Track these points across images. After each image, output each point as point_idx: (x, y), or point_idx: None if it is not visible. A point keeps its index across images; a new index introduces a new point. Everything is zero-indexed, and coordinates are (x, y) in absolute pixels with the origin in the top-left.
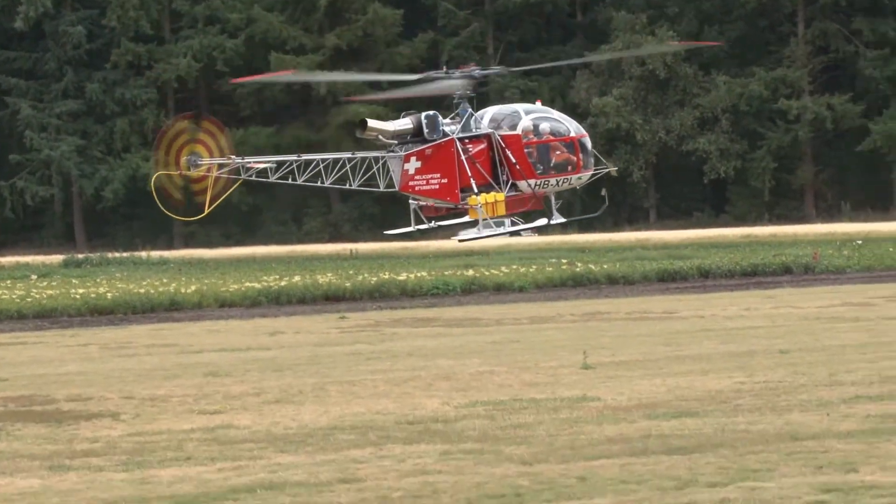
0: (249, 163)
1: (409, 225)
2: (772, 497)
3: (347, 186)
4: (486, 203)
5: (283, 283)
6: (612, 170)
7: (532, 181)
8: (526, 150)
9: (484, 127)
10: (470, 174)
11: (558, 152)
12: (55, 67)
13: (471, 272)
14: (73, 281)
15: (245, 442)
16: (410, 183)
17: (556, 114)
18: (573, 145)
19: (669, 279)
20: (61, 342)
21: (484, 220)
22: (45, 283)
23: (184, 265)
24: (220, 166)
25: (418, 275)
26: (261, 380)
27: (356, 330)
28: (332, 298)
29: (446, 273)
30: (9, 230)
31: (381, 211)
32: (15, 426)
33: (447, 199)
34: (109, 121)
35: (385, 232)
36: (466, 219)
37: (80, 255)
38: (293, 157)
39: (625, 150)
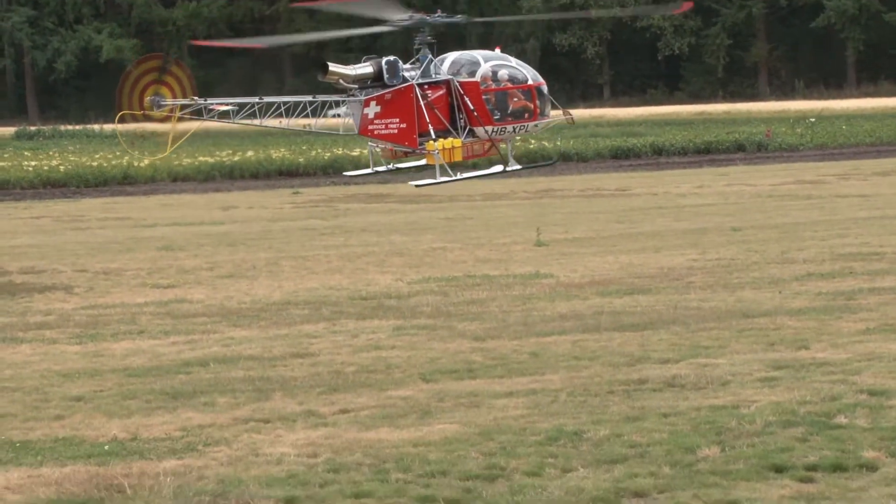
0: (212, 104)
1: (368, 167)
2: (723, 373)
3: (307, 129)
4: (444, 149)
5: (236, 158)
6: (569, 118)
7: (489, 127)
8: (484, 97)
9: (443, 73)
10: (428, 120)
11: (515, 99)
12: None
13: None
14: (26, 153)
15: (198, 316)
16: (370, 127)
17: (514, 61)
18: (530, 93)
19: (623, 156)
20: (14, 214)
21: (441, 165)
22: None
23: (136, 139)
24: (183, 107)
25: None
26: (214, 254)
27: (310, 205)
28: (286, 173)
29: None
30: None
31: (334, 87)
32: None
33: (405, 143)
34: None
35: (344, 173)
36: (424, 163)
37: (33, 128)
38: (255, 100)
39: (579, 26)
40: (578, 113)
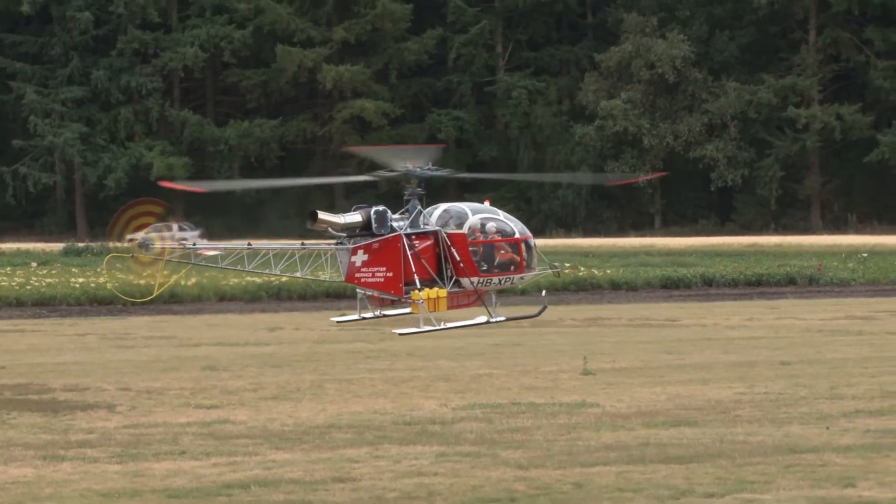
0: (200, 248)
1: (355, 313)
2: None
3: (296, 275)
4: (429, 298)
5: (283, 279)
6: (555, 272)
7: (475, 279)
8: (471, 249)
9: (432, 224)
10: (414, 269)
11: (502, 252)
12: (61, 53)
13: None
14: (73, 269)
15: (241, 437)
16: (356, 275)
17: (502, 214)
18: (517, 246)
19: (673, 286)
20: (59, 331)
21: (425, 315)
22: (44, 271)
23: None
24: (172, 251)
25: None
26: (259, 375)
27: (356, 328)
28: (333, 295)
29: None
30: (10, 216)
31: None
32: (10, 414)
33: (391, 292)
34: (114, 108)
35: (331, 318)
36: (410, 311)
37: (81, 244)
38: (243, 246)
39: (631, 155)
40: (629, 242)
